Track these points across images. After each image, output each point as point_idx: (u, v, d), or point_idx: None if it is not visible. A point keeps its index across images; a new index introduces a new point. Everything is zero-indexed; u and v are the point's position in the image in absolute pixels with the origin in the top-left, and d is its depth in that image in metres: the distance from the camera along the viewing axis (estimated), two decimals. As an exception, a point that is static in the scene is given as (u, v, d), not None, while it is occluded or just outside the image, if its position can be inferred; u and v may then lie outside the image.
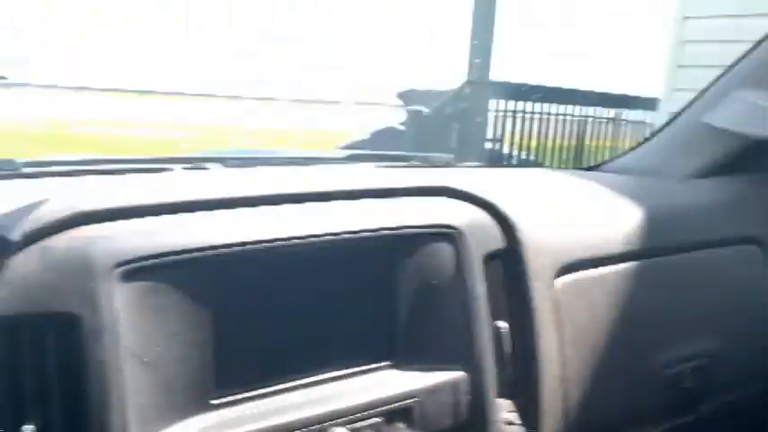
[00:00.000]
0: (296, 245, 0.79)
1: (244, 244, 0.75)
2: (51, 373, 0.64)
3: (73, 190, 0.84)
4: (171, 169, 1.07)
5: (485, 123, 5.28)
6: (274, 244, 0.77)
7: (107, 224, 0.72)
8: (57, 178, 1.01)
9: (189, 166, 1.10)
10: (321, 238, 0.80)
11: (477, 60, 4.87)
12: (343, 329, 0.84)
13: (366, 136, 6.45)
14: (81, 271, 0.66)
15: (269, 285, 0.79)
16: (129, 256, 0.69)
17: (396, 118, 6.28)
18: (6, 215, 0.71)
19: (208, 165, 1.12)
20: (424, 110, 5.60)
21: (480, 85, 5.03)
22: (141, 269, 0.69)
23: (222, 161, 1.15)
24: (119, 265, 0.67)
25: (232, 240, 0.75)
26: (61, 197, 0.74)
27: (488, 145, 5.42)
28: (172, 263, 0.71)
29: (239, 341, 0.76)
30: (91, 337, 0.64)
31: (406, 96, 6.28)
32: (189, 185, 0.88)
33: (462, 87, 5.17)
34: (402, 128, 5.99)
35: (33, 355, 0.63)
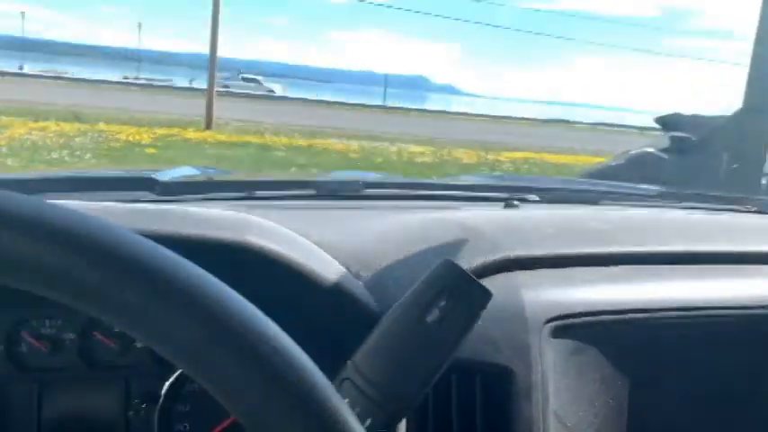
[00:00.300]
0: (722, 313, 0.72)
1: (679, 308, 0.70)
2: (477, 423, 0.62)
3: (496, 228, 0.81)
4: (497, 199, 1.09)
5: (762, 155, 4.63)
6: (702, 311, 0.71)
7: (536, 272, 0.71)
8: (398, 202, 1.08)
9: (504, 196, 1.12)
10: (751, 310, 0.72)
11: (756, 85, 4.30)
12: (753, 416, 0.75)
13: (621, 161, 6.07)
14: (514, 322, 0.63)
15: (690, 355, 0.72)
16: (562, 311, 0.65)
17: (654, 143, 5.83)
18: (429, 251, 0.73)
19: (527, 196, 1.13)
20: (690, 137, 5.09)
21: (760, 113, 4.43)
22: (571, 326, 0.65)
23: (537, 192, 1.16)
24: (551, 319, 0.64)
25: (663, 301, 0.70)
26: (486, 238, 0.74)
27: (765, 180, 4.75)
28: (602, 321, 0.67)
29: (649, 416, 0.69)
30: (522, 393, 0.61)
31: (669, 122, 5.77)
32: (559, 226, 0.84)
33: (737, 114, 4.60)
34: (662, 155, 5.51)
35: (461, 401, 0.62)
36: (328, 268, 0.65)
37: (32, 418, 0.65)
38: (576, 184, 1.61)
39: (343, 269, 0.67)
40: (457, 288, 0.48)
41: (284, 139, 11.32)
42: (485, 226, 0.80)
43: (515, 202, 1.11)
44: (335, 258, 0.69)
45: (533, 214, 0.98)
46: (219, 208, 0.73)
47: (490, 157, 11.68)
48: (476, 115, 31.89)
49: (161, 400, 0.63)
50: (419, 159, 10.46)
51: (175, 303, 0.31)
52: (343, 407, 0.33)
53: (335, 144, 11.54)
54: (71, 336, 0.65)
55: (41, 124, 9.97)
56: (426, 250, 0.73)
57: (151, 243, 0.33)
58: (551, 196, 1.22)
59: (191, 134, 10.92)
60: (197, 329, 0.31)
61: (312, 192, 1.15)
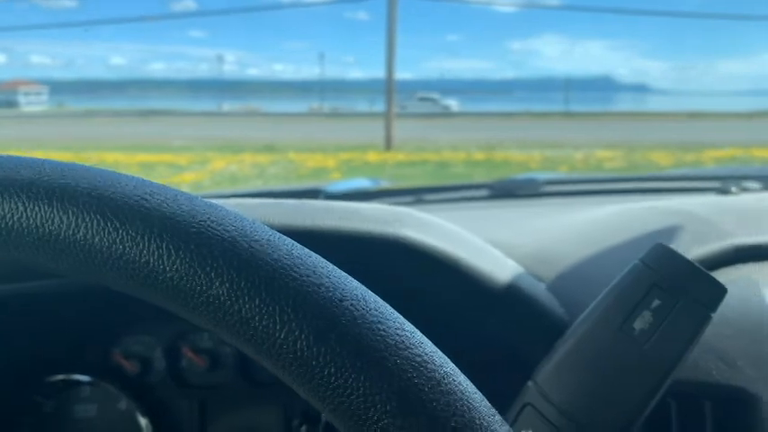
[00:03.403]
0: None
1: None
2: None
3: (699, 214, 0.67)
4: (708, 189, 0.92)
5: None
6: None
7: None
8: (585, 197, 0.96)
9: (717, 185, 0.95)
10: None
11: None
12: None
13: None
14: (754, 330, 0.49)
15: None
16: None
17: None
18: (629, 244, 0.60)
19: (747, 183, 0.97)
20: None
21: None
22: None
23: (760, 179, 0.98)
24: None
25: None
26: (708, 223, 0.60)
27: None
28: None
29: None
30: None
31: None
32: None
33: None
34: None
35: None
36: (502, 268, 0.56)
37: None
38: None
39: (520, 269, 0.58)
40: (676, 282, 0.36)
41: (462, 155, 11.32)
42: (703, 211, 0.65)
43: (732, 189, 0.94)
44: (511, 258, 0.60)
45: (760, 197, 0.81)
46: None
47: (690, 157, 10.66)
48: (670, 113, 29.60)
49: (323, 419, 0.59)
50: (609, 165, 9.85)
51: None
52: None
53: (515, 155, 11.25)
54: (227, 349, 0.63)
55: (239, 157, 10.79)
56: (625, 244, 0.61)
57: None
58: None
59: (371, 156, 11.26)
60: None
61: (485, 193, 1.04)
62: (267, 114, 30.76)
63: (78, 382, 0.64)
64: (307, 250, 0.26)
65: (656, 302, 0.36)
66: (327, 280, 0.25)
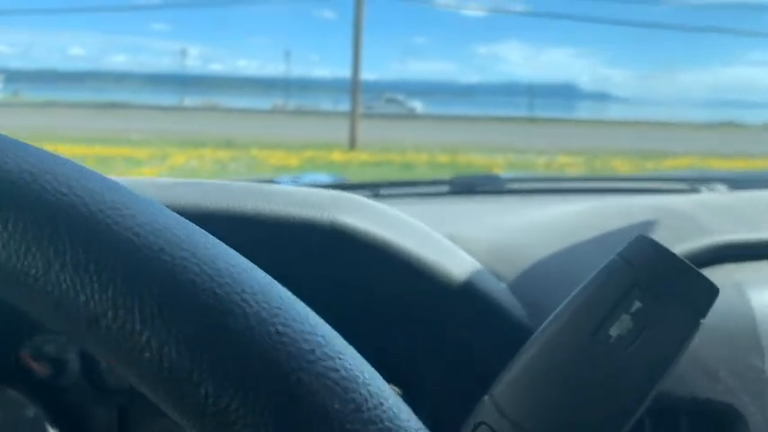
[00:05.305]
0: None
1: None
2: None
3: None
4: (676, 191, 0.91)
5: None
6: None
7: (765, 264, 0.52)
8: (551, 195, 0.94)
9: (685, 187, 0.93)
10: None
11: None
12: None
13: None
14: (740, 338, 0.44)
15: None
16: None
17: None
18: (602, 240, 0.55)
19: (714, 185, 0.95)
20: None
21: None
22: None
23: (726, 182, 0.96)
24: None
25: None
26: (688, 218, 0.55)
27: None
28: None
29: None
30: None
31: None
32: None
33: None
34: None
35: None
36: (457, 262, 0.51)
37: None
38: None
39: (478, 265, 0.53)
40: (661, 281, 0.30)
41: (425, 156, 11.38)
42: (681, 206, 0.60)
43: (703, 189, 0.92)
44: (469, 253, 0.55)
45: (742, 195, 0.75)
46: None
47: (650, 165, 10.92)
48: (631, 122, 30.23)
49: None
50: (571, 170, 10.06)
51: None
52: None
53: (479, 158, 11.36)
54: None
55: (199, 152, 10.63)
56: (596, 240, 0.56)
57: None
58: (745, 185, 0.98)
59: (335, 155, 11.26)
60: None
61: (446, 189, 0.99)
62: (230, 110, 30.48)
63: None
64: (192, 226, 0.20)
65: (636, 305, 0.31)
66: (212, 266, 0.18)
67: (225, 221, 0.45)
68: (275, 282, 0.20)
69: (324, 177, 1.26)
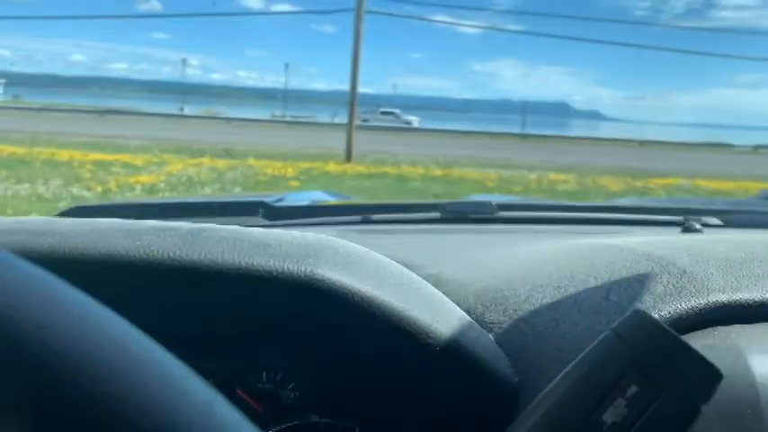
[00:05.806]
0: None
1: None
2: None
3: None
4: (669, 223, 0.90)
5: None
6: None
7: (762, 327, 0.47)
8: (540, 226, 0.93)
9: (678, 220, 0.92)
10: None
11: None
12: None
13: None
14: (741, 415, 0.39)
15: None
16: None
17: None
18: (594, 290, 0.52)
19: (707, 219, 0.93)
20: None
21: None
22: None
23: (719, 214, 0.96)
24: None
25: None
26: (682, 273, 0.51)
27: None
28: None
29: None
30: None
31: None
32: None
33: None
34: None
35: None
36: (441, 316, 0.49)
37: None
38: (761, 206, 1.29)
39: (464, 317, 0.51)
40: (659, 363, 0.29)
41: (420, 170, 11.36)
42: (675, 256, 0.55)
43: (697, 226, 0.88)
44: (457, 299, 0.54)
45: (740, 240, 0.66)
46: (327, 234, 0.58)
47: (638, 183, 11.02)
48: (622, 140, 30.35)
49: None
50: (561, 188, 10.08)
51: None
52: None
53: (472, 173, 11.42)
54: (291, 394, 0.53)
55: (197, 160, 10.68)
56: (587, 291, 0.53)
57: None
58: (738, 219, 0.99)
59: (332, 167, 11.25)
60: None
61: (437, 215, 0.98)
62: (228, 119, 30.38)
63: None
64: (35, 268, 0.17)
65: (632, 389, 0.29)
66: (41, 316, 0.16)
67: (201, 276, 0.44)
68: (133, 328, 0.19)
69: (320, 194, 1.26)
